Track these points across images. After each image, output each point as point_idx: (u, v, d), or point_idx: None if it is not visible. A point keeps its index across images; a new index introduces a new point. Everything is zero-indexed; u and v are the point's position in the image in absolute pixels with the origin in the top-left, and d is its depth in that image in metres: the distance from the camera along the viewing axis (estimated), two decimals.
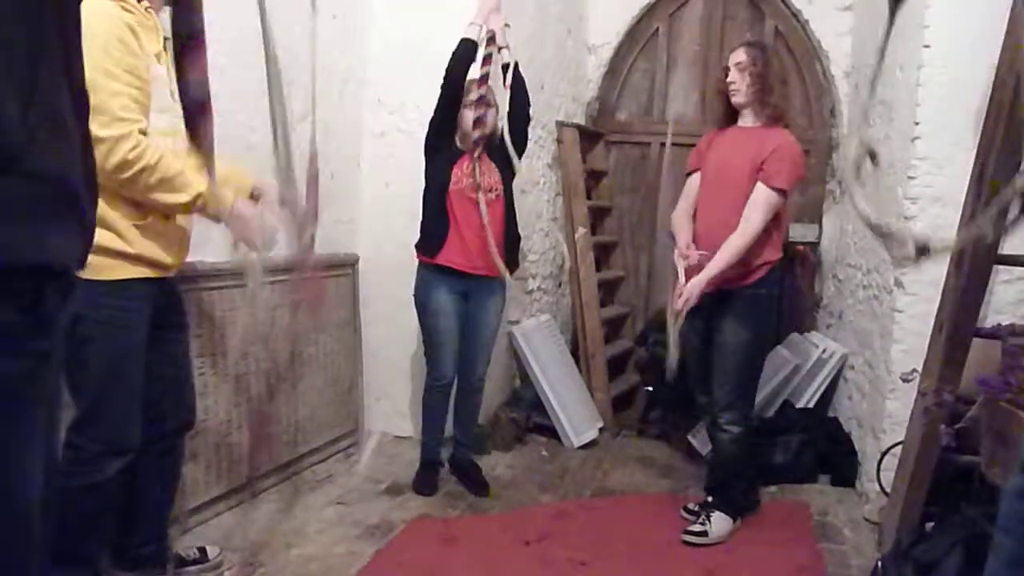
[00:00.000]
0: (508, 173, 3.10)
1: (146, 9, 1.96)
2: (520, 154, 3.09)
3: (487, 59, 3.01)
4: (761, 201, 2.71)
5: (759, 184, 2.72)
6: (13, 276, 0.87)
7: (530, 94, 3.15)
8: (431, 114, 3.05)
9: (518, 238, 3.20)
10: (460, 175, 3.00)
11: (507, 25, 3.06)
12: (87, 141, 1.00)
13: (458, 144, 3.05)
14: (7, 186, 0.84)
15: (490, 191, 3.01)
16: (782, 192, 2.72)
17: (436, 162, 3.04)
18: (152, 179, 1.89)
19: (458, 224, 3.00)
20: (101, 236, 1.87)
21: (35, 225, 0.88)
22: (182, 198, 1.94)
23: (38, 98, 0.86)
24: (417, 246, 3.10)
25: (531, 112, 3.18)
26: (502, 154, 3.04)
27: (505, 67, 3.06)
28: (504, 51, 3.06)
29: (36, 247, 0.88)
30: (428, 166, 3.08)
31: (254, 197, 2.18)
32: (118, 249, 1.93)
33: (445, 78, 2.98)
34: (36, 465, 0.96)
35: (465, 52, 2.96)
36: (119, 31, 1.83)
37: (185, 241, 2.13)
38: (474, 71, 3.01)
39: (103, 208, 1.87)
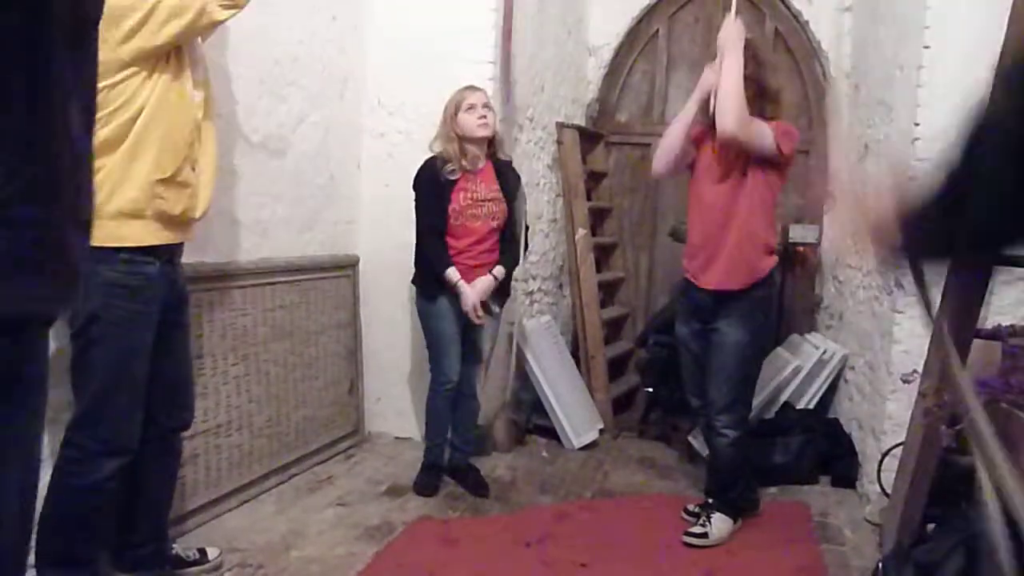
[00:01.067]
0: (510, 197, 3.12)
1: None
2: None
3: None
4: (762, 127, 2.67)
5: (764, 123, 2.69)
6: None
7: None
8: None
9: (524, 245, 3.23)
10: (459, 208, 2.99)
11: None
12: (82, 188, 0.98)
13: (451, 175, 3.00)
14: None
15: (492, 219, 3.04)
16: (780, 153, 2.69)
17: (429, 199, 3.02)
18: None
19: (458, 254, 3.01)
20: (122, 198, 1.92)
21: (17, 277, 0.87)
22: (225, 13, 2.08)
23: (34, 148, 0.85)
24: (413, 281, 3.13)
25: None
26: (507, 179, 3.09)
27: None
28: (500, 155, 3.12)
29: (14, 300, 0.87)
30: (420, 207, 3.05)
31: None
32: (135, 209, 1.98)
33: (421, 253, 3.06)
34: (14, 481, 0.95)
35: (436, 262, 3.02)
36: None
37: (194, 198, 2.14)
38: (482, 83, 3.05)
39: (123, 169, 1.93)
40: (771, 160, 2.73)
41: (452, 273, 2.97)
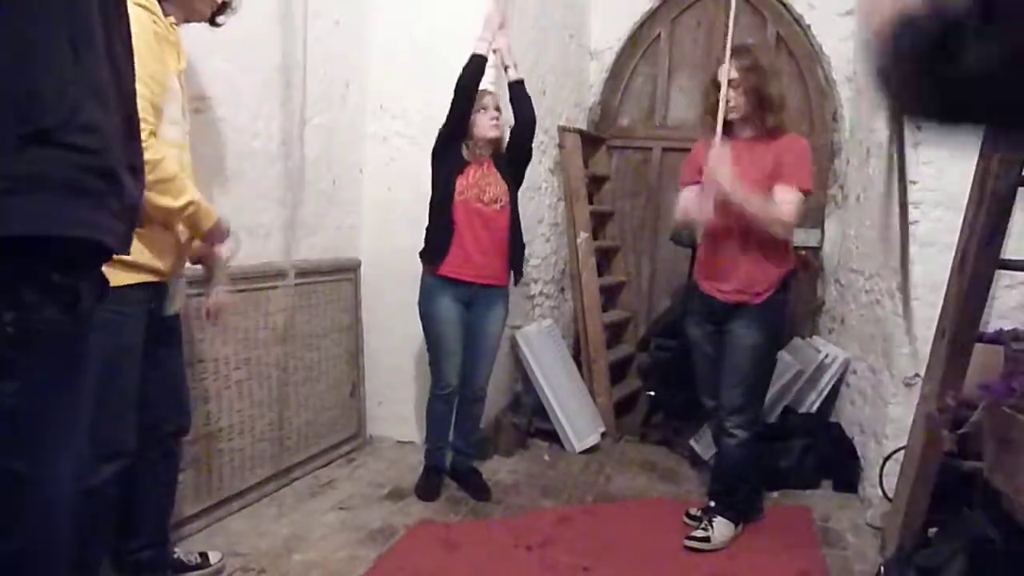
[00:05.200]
0: (514, 184, 3.12)
1: (170, 24, 1.99)
2: (525, 164, 3.16)
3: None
4: (792, 200, 2.67)
5: (785, 186, 2.68)
6: (51, 246, 0.87)
7: (532, 99, 3.16)
8: (437, 118, 3.06)
9: (523, 247, 3.21)
10: (465, 185, 3.01)
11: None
12: (130, 125, 0.99)
13: (464, 155, 3.05)
14: (45, 158, 0.84)
15: (496, 202, 3.03)
16: (806, 193, 2.71)
17: (441, 173, 3.05)
18: (149, 177, 1.90)
19: (461, 235, 3.00)
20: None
21: (73, 198, 0.87)
22: (174, 203, 1.97)
23: (80, 76, 0.86)
24: (421, 255, 3.10)
25: (535, 127, 3.20)
26: (509, 165, 3.07)
27: (511, 84, 3.08)
28: (511, 69, 3.08)
29: (69, 222, 0.88)
30: (434, 176, 3.09)
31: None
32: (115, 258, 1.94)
33: (456, 92, 2.98)
34: (69, 463, 0.97)
35: (476, 67, 2.97)
36: (147, 36, 1.85)
37: (179, 249, 2.12)
38: (486, 82, 3.03)
39: None
40: None
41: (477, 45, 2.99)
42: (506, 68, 3.08)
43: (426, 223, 3.10)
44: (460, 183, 3.01)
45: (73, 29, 0.86)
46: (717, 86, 2.76)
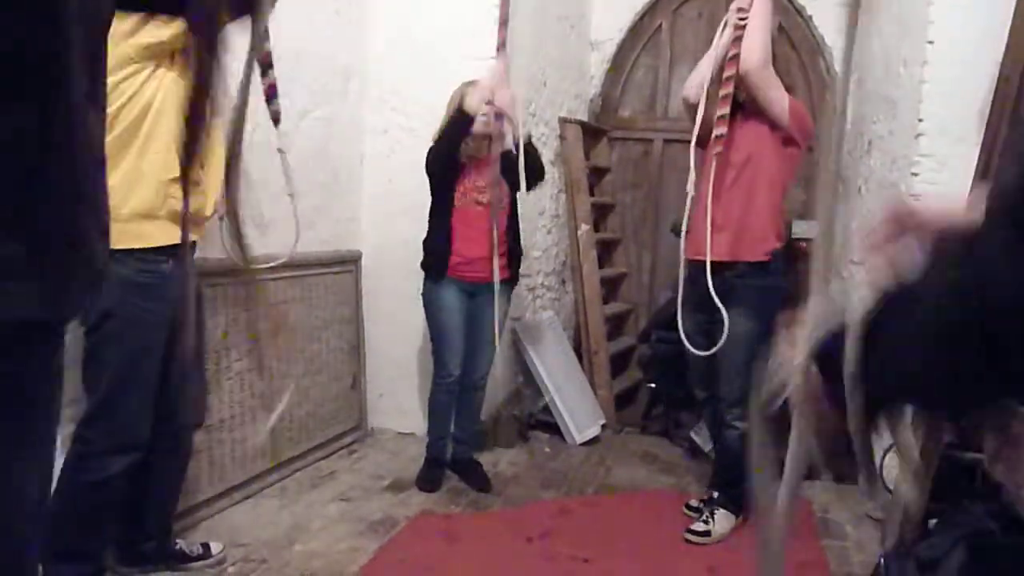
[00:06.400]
0: (515, 187, 3.11)
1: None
2: (531, 186, 3.12)
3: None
4: (782, 92, 2.69)
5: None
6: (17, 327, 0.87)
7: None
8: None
9: (520, 252, 3.22)
10: (464, 190, 3.01)
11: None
12: (101, 169, 0.98)
13: (462, 159, 3.02)
14: (15, 243, 0.83)
15: (497, 203, 3.03)
16: (793, 143, 2.71)
17: (438, 184, 3.04)
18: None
19: (461, 241, 3.02)
20: (136, 199, 1.92)
21: (47, 280, 0.87)
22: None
23: (52, 156, 0.84)
24: (422, 265, 3.11)
25: (543, 178, 3.21)
26: (510, 170, 3.06)
27: (517, 145, 3.01)
28: (516, 129, 3.00)
29: (43, 303, 0.87)
30: (431, 185, 3.07)
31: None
32: (148, 209, 1.98)
33: (434, 157, 2.97)
34: (34, 477, 0.96)
35: (458, 128, 2.91)
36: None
37: (204, 196, 2.13)
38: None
39: (136, 169, 1.93)
40: (782, 137, 2.74)
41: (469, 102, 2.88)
42: (503, 137, 2.99)
43: (426, 215, 3.10)
44: (458, 189, 3.01)
45: (43, 96, 0.84)
46: (723, 68, 2.77)
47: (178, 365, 2.16)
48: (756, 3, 2.67)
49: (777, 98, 2.69)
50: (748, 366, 2.79)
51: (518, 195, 3.17)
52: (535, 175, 3.09)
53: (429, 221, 3.10)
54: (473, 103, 2.87)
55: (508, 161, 3.08)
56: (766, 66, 2.66)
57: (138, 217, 1.97)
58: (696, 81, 2.85)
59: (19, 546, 0.95)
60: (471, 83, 3.01)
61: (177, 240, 2.05)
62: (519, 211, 3.23)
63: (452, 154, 2.96)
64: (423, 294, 3.12)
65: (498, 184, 3.03)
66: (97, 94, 0.93)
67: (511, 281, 3.21)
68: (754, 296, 2.75)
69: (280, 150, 2.32)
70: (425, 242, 3.11)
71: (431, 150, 3.01)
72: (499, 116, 2.97)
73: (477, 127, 2.97)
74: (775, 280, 2.80)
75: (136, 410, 2.04)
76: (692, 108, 2.86)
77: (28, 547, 0.97)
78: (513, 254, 3.15)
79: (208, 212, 2.16)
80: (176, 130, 1.90)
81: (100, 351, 2.00)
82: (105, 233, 0.97)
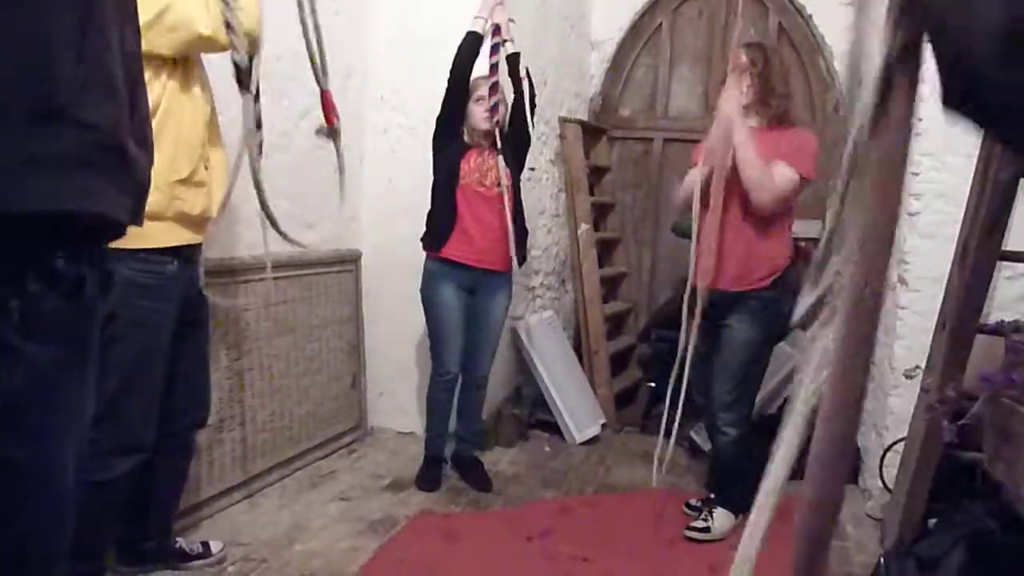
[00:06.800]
0: (517, 167, 3.11)
1: None
2: (526, 146, 3.13)
3: (494, 50, 3.01)
4: (787, 175, 2.63)
5: (784, 163, 2.64)
6: (63, 223, 0.88)
7: (531, 75, 3.14)
8: (437, 109, 3.05)
9: (526, 232, 3.20)
10: (468, 169, 3.01)
11: (512, 20, 3.06)
12: (138, 108, 1.00)
13: (466, 139, 3.05)
14: (56, 134, 0.84)
15: (498, 185, 3.02)
16: (803, 179, 2.68)
17: (443, 157, 3.05)
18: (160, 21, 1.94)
19: (464, 219, 3.00)
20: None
21: (84, 175, 0.88)
22: (193, 31, 2.00)
23: (88, 56, 0.87)
24: (423, 240, 3.10)
25: (536, 102, 3.18)
26: (510, 148, 3.06)
27: (509, 58, 3.06)
28: (509, 43, 3.06)
29: (84, 196, 0.88)
30: (436, 160, 3.08)
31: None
32: (155, 211, 1.95)
33: (451, 72, 2.98)
34: (72, 453, 0.98)
35: (470, 46, 2.96)
36: None
37: (209, 197, 2.12)
38: (481, 67, 3.01)
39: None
40: None
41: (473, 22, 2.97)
42: (504, 42, 3.04)
43: (427, 212, 3.10)
44: (463, 167, 3.00)
45: (81, 9, 0.87)
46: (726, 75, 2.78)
47: (183, 365, 2.17)
48: (736, 142, 2.60)
49: (788, 185, 2.65)
50: (743, 371, 2.80)
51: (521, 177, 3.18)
52: (524, 96, 3.09)
53: (433, 198, 3.08)
54: (477, 25, 2.96)
55: (509, 143, 3.06)
56: (777, 195, 2.63)
57: (144, 217, 1.97)
58: (682, 197, 2.87)
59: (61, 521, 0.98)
60: (481, 78, 3.02)
61: (183, 241, 2.06)
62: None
63: (466, 75, 2.97)
64: (421, 290, 3.11)
65: (500, 103, 3.02)
66: (124, 39, 0.96)
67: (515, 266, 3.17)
68: (758, 306, 2.77)
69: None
70: (428, 218, 3.10)
71: (447, 86, 3.01)
72: (495, 107, 2.99)
73: (480, 124, 2.98)
74: (782, 292, 2.81)
75: (142, 412, 2.04)
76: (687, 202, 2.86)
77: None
78: (517, 238, 3.09)
79: (213, 213, 2.16)
80: (182, 132, 1.91)
81: (105, 353, 1.99)
82: (145, 145, 0.99)
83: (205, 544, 2.42)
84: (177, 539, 2.40)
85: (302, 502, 2.93)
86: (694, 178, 2.77)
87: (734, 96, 2.63)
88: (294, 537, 2.63)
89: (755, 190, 2.62)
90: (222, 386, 2.80)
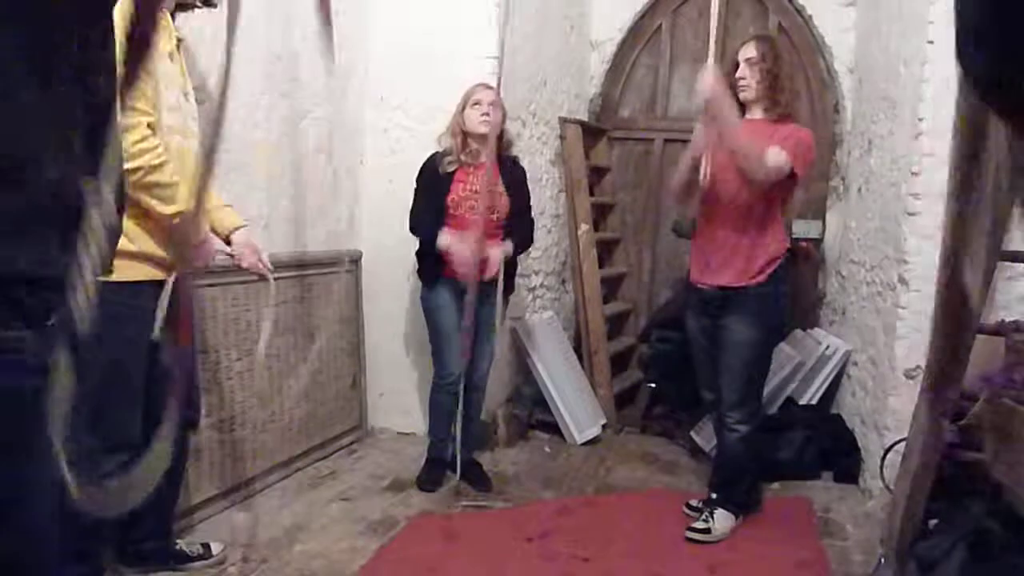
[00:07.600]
0: (516, 194, 3.12)
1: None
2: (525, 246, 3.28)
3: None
4: (779, 157, 2.62)
5: (776, 147, 2.64)
6: (13, 287, 0.87)
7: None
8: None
9: (515, 263, 3.22)
10: (457, 200, 3.00)
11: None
12: (100, 133, 0.99)
13: (447, 166, 3.02)
14: (6, 198, 0.83)
15: (492, 212, 3.02)
16: (793, 175, 2.68)
17: (428, 193, 3.04)
18: (147, 179, 1.92)
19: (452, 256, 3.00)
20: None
21: (36, 235, 0.87)
22: (165, 209, 1.99)
23: (42, 114, 0.85)
24: (417, 272, 3.12)
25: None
26: (511, 173, 3.07)
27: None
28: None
29: (36, 258, 0.88)
30: (416, 195, 3.07)
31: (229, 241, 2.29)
32: (122, 249, 1.94)
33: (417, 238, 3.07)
34: (46, 479, 0.96)
35: (428, 255, 3.04)
36: (125, 24, 1.84)
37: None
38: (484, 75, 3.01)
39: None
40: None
41: (443, 238, 2.96)
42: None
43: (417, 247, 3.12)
44: (450, 201, 3.00)
45: (35, 49, 0.85)
46: (736, 65, 2.79)
47: (166, 366, 2.16)
48: (721, 125, 2.61)
49: (780, 168, 2.64)
50: (747, 371, 2.80)
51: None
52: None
53: (411, 221, 3.08)
54: (449, 245, 2.95)
55: (506, 166, 3.07)
56: (769, 171, 2.62)
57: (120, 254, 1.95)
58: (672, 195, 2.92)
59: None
60: (479, 85, 3.01)
61: (158, 277, 2.05)
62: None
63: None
64: (421, 298, 3.12)
65: (494, 192, 3.01)
66: (89, 60, 0.93)
67: (509, 275, 3.17)
68: (758, 303, 2.77)
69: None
70: (417, 256, 3.12)
71: (412, 220, 3.06)
72: (491, 108, 2.97)
73: (476, 128, 2.98)
74: (778, 287, 2.82)
75: (124, 408, 2.03)
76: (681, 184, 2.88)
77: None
78: (508, 264, 3.11)
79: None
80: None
81: (86, 350, 1.98)
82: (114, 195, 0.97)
83: (205, 545, 2.42)
84: (177, 540, 2.40)
85: (302, 502, 2.93)
86: (683, 165, 2.82)
87: (717, 78, 2.61)
88: (294, 537, 2.63)
89: (749, 164, 2.62)
90: (222, 386, 2.80)
